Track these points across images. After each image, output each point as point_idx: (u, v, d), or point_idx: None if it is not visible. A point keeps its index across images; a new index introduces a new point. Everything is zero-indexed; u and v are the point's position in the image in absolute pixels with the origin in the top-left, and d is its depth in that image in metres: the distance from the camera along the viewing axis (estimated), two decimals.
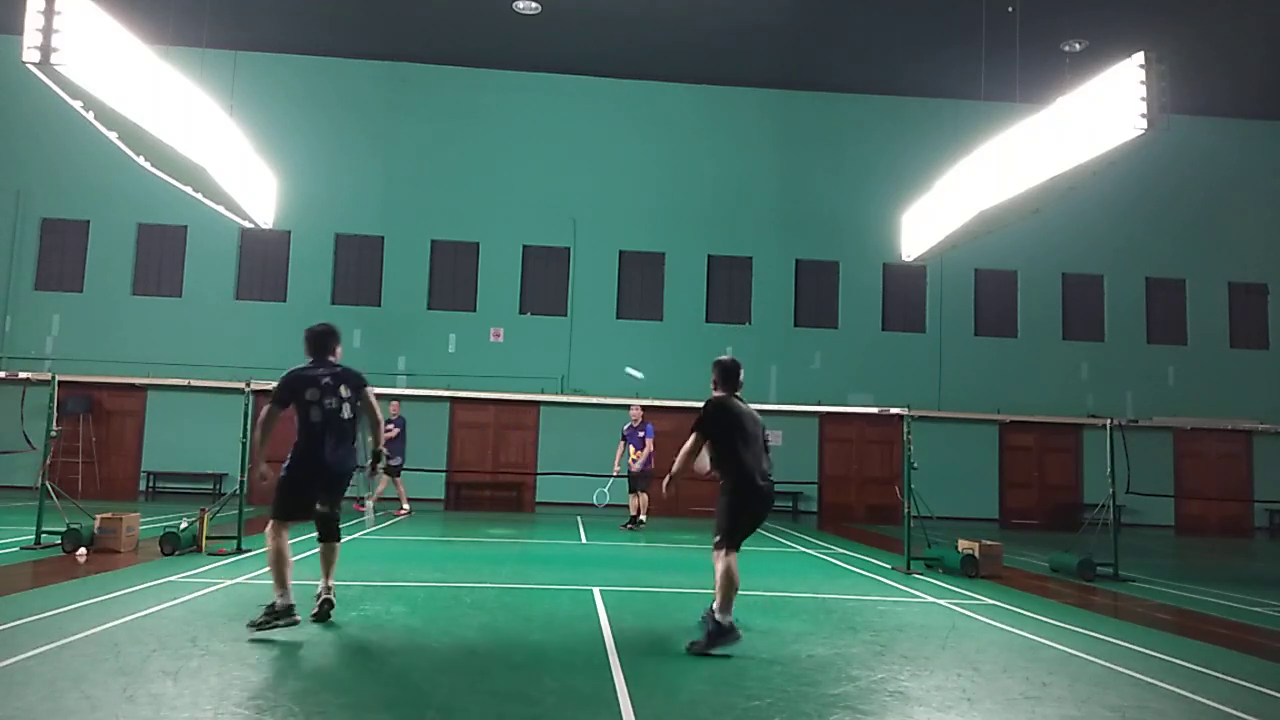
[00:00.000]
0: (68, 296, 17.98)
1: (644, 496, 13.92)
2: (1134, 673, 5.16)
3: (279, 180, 13.10)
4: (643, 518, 13.88)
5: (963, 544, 9.57)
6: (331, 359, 6.22)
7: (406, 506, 15.18)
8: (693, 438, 5.68)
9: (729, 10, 16.09)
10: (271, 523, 5.70)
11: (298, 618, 5.47)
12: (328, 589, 5.90)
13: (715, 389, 5.94)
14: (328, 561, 5.96)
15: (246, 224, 12.71)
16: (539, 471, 17.56)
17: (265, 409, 5.86)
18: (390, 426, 14.25)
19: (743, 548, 5.65)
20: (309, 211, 17.78)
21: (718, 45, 17.56)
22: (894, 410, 10.40)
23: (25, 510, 11.75)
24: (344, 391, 6.05)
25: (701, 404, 5.83)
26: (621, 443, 14.05)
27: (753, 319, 19.07)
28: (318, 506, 5.96)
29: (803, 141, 19.47)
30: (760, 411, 6.07)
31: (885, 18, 16.28)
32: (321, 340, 6.27)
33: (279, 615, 5.41)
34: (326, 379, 6.04)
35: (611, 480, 13.74)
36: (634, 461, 13.83)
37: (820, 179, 19.33)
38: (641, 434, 13.87)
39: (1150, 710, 4.40)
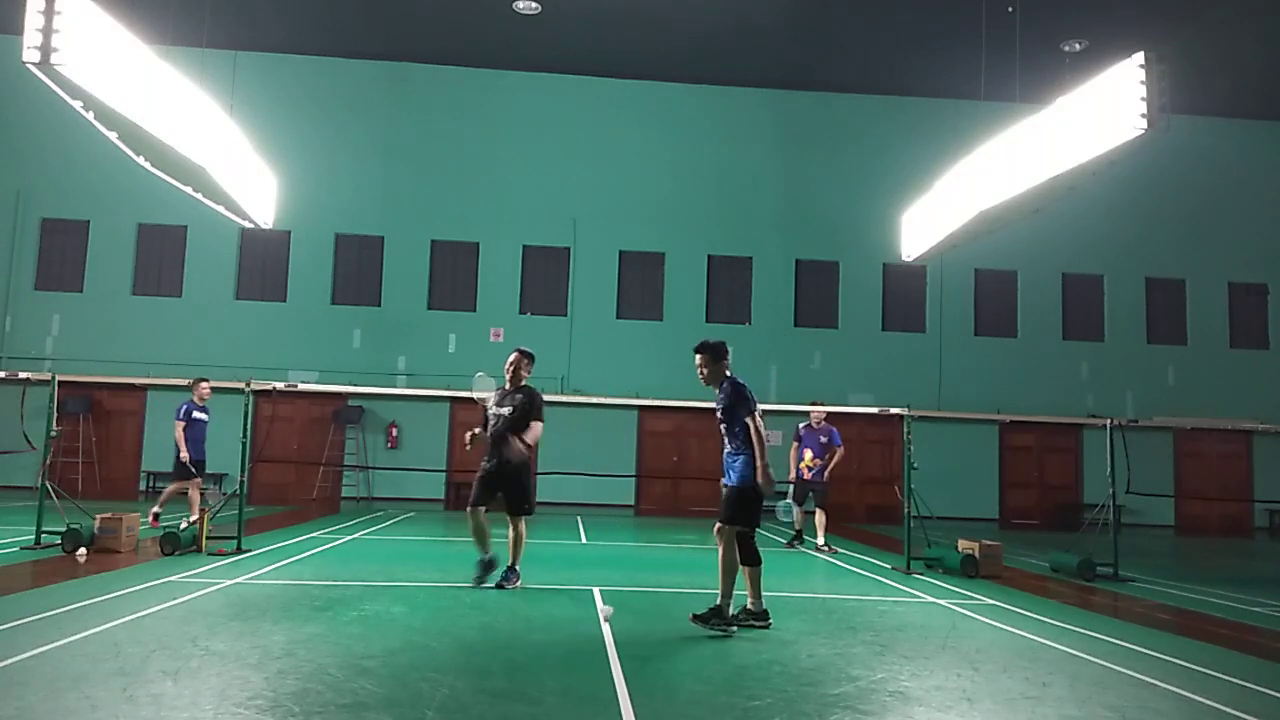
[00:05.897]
0: (68, 296, 17.98)
1: (820, 513, 11.65)
2: (1134, 673, 5.15)
3: (279, 180, 13.09)
4: (821, 540, 11.48)
5: (963, 544, 9.57)
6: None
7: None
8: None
9: (729, 10, 16.09)
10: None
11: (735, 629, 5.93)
12: (749, 604, 6.10)
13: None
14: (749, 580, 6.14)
15: (246, 224, 12.70)
16: (539, 471, 17.50)
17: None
18: (200, 416, 11.74)
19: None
20: (309, 211, 17.78)
21: (718, 45, 17.56)
22: (894, 410, 10.39)
23: (25, 510, 11.75)
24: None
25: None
26: (795, 444, 11.89)
27: (753, 319, 19.07)
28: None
29: (803, 141, 19.47)
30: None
31: (885, 18, 16.28)
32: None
33: (753, 618, 6.02)
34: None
35: (792, 489, 11.80)
36: (808, 469, 11.65)
37: (820, 179, 19.33)
38: (825, 438, 11.72)
39: (1150, 710, 4.39)
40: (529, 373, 7.72)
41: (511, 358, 7.68)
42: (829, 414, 12.06)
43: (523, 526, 7.53)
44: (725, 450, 6.22)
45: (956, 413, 17.58)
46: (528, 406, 7.53)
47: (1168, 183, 19.24)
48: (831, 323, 19.26)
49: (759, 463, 5.92)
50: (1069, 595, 8.41)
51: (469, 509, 7.44)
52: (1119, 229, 19.41)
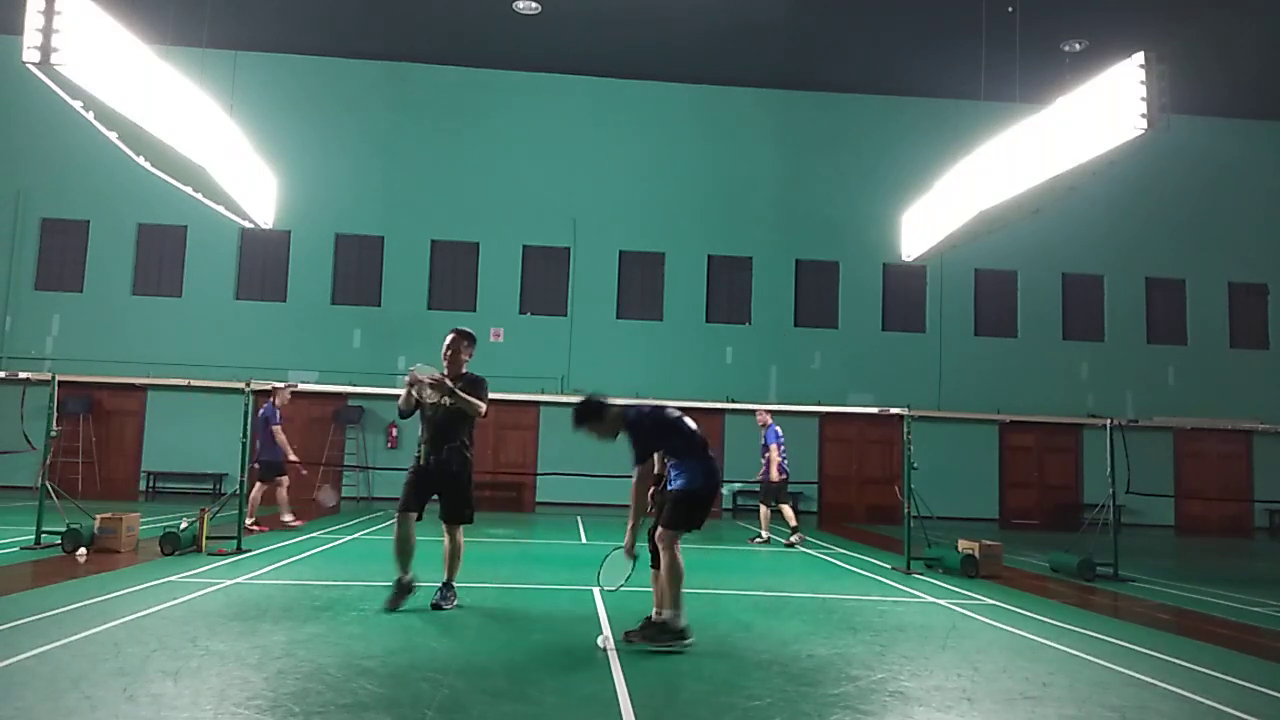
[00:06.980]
0: (68, 296, 17.98)
1: (785, 509, 12.01)
2: (1134, 673, 5.15)
3: (279, 180, 13.09)
4: (764, 534, 12.17)
5: (963, 544, 9.57)
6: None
7: (288, 517, 12.50)
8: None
9: (729, 10, 16.09)
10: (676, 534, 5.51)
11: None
12: (655, 611, 5.50)
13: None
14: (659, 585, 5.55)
15: (246, 224, 12.70)
16: (539, 471, 17.55)
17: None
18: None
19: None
20: (309, 211, 17.78)
21: (718, 45, 17.56)
22: (894, 410, 10.39)
23: (25, 510, 11.75)
24: None
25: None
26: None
27: (753, 319, 19.07)
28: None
29: (802, 141, 19.47)
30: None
31: (885, 18, 16.28)
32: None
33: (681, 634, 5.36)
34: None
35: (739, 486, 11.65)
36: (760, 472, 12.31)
37: (820, 179, 19.33)
38: (764, 440, 12.21)
39: (1150, 710, 4.39)
40: (470, 356, 6.67)
41: (449, 339, 6.57)
42: (772, 413, 12.60)
43: (461, 536, 6.52)
44: (669, 461, 5.65)
45: (956, 413, 17.58)
46: (471, 393, 6.58)
47: (1168, 183, 19.24)
48: (831, 323, 19.26)
49: (628, 533, 5.45)
50: (1069, 595, 8.41)
51: (398, 514, 6.39)
52: (1119, 229, 19.41)
